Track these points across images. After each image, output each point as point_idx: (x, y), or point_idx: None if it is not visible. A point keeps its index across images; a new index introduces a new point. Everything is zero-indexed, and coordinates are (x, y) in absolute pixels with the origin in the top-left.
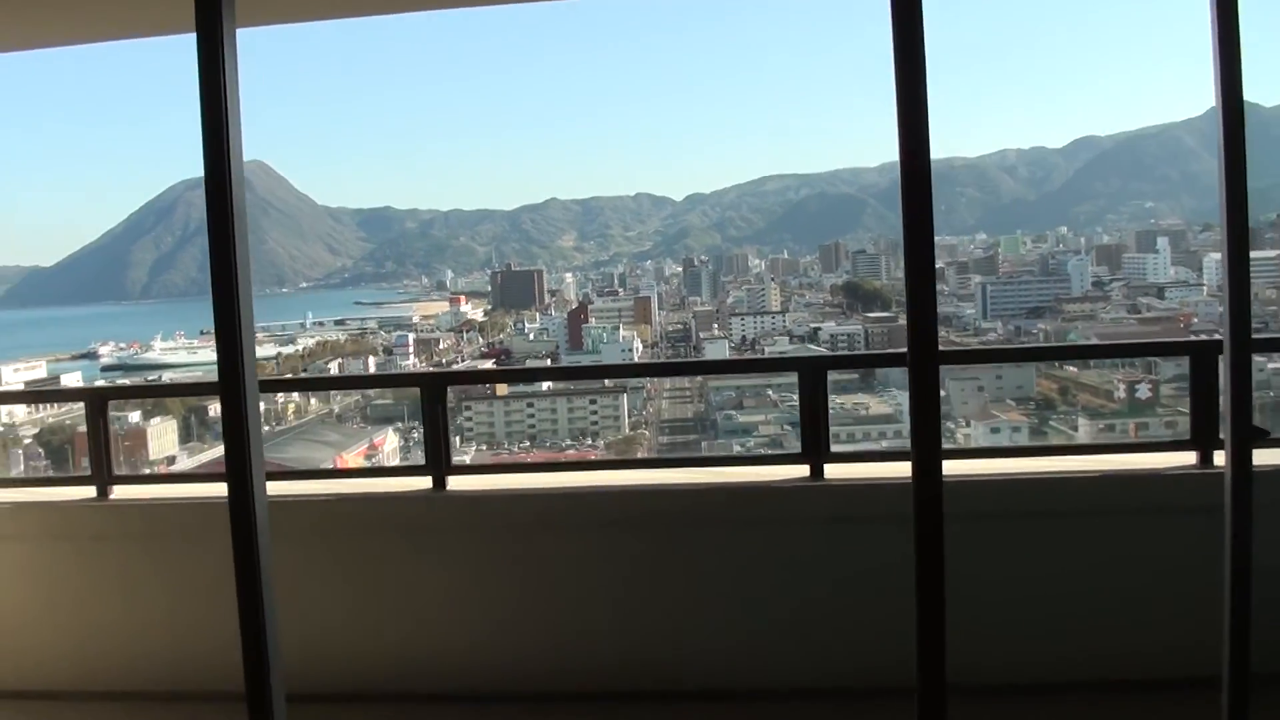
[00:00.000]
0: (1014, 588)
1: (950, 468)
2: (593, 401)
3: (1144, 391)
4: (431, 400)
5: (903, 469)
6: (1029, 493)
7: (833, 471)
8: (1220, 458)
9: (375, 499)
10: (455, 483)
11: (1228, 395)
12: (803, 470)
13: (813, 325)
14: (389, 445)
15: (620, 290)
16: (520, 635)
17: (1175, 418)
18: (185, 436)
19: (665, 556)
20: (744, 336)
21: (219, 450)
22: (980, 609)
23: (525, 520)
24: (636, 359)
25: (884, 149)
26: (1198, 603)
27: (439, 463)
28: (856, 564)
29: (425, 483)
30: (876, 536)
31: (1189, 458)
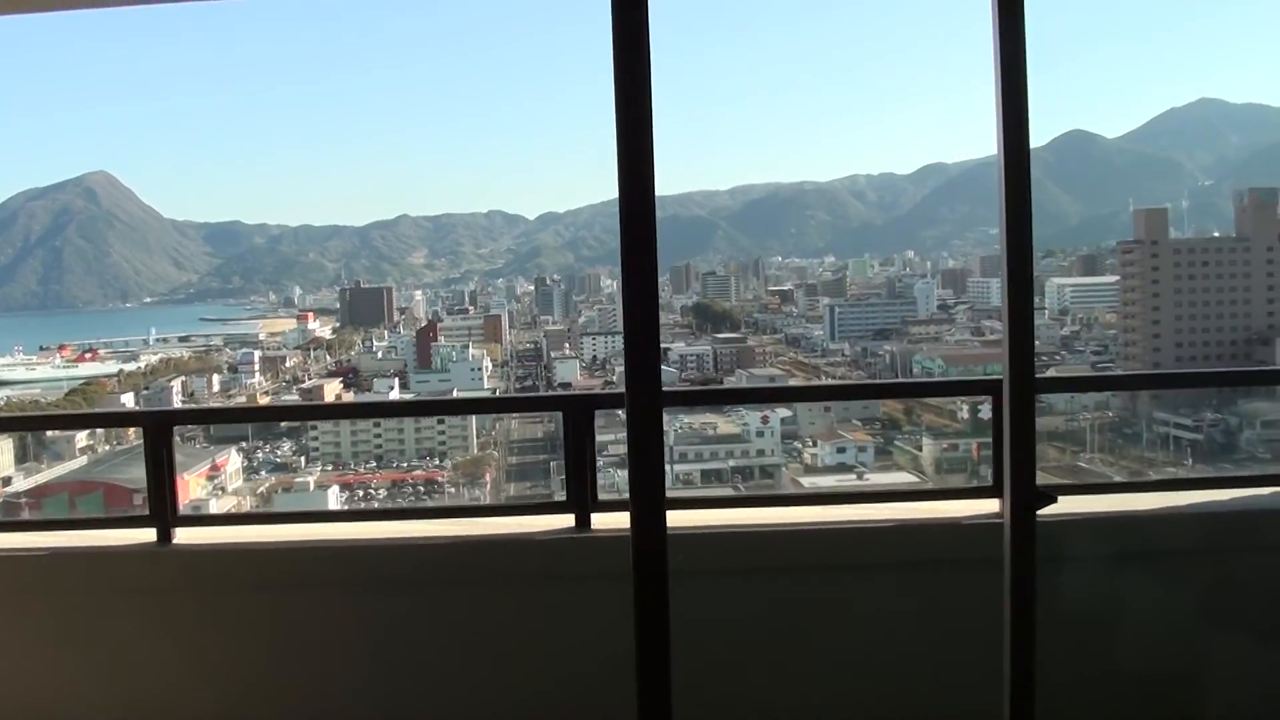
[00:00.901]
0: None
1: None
2: (440, 421)
3: (986, 411)
4: (156, 442)
5: (674, 517)
6: (762, 546)
7: (601, 521)
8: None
9: (93, 555)
10: (186, 535)
11: (1008, 450)
12: (568, 520)
13: (663, 345)
14: (232, 465)
15: (471, 308)
16: (254, 713)
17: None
18: (21, 457)
19: (419, 617)
20: (594, 356)
21: (59, 470)
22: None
23: (253, 578)
24: (486, 379)
25: (736, 172)
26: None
27: (164, 512)
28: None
29: (151, 535)
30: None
31: (993, 505)
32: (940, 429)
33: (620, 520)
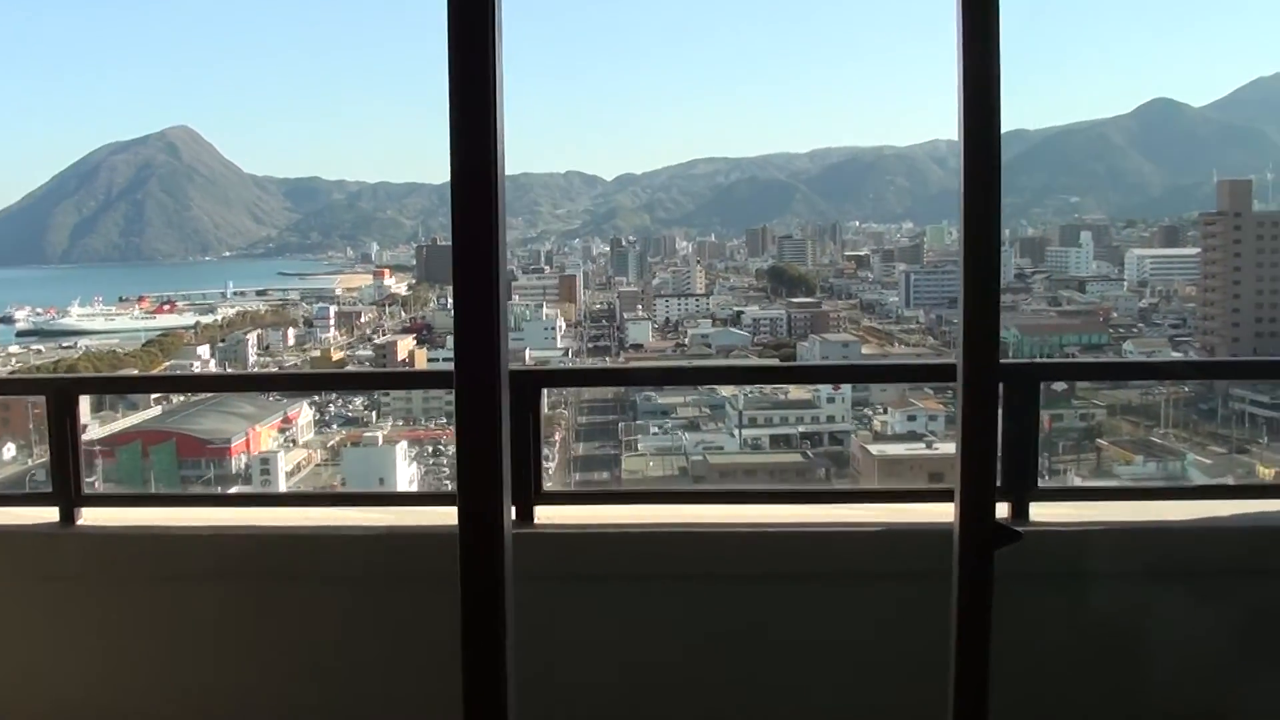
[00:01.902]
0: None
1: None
2: None
3: (1060, 384)
4: (60, 412)
5: (615, 512)
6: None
7: (547, 515)
8: (1040, 510)
9: None
10: (92, 515)
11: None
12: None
13: (736, 308)
14: (304, 418)
15: (547, 268)
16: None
17: (1092, 409)
18: (97, 406)
19: (340, 614)
20: (667, 318)
21: (135, 419)
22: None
23: (164, 566)
24: (559, 338)
25: (816, 135)
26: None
27: (68, 491)
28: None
29: (54, 514)
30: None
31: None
32: None
33: (569, 513)
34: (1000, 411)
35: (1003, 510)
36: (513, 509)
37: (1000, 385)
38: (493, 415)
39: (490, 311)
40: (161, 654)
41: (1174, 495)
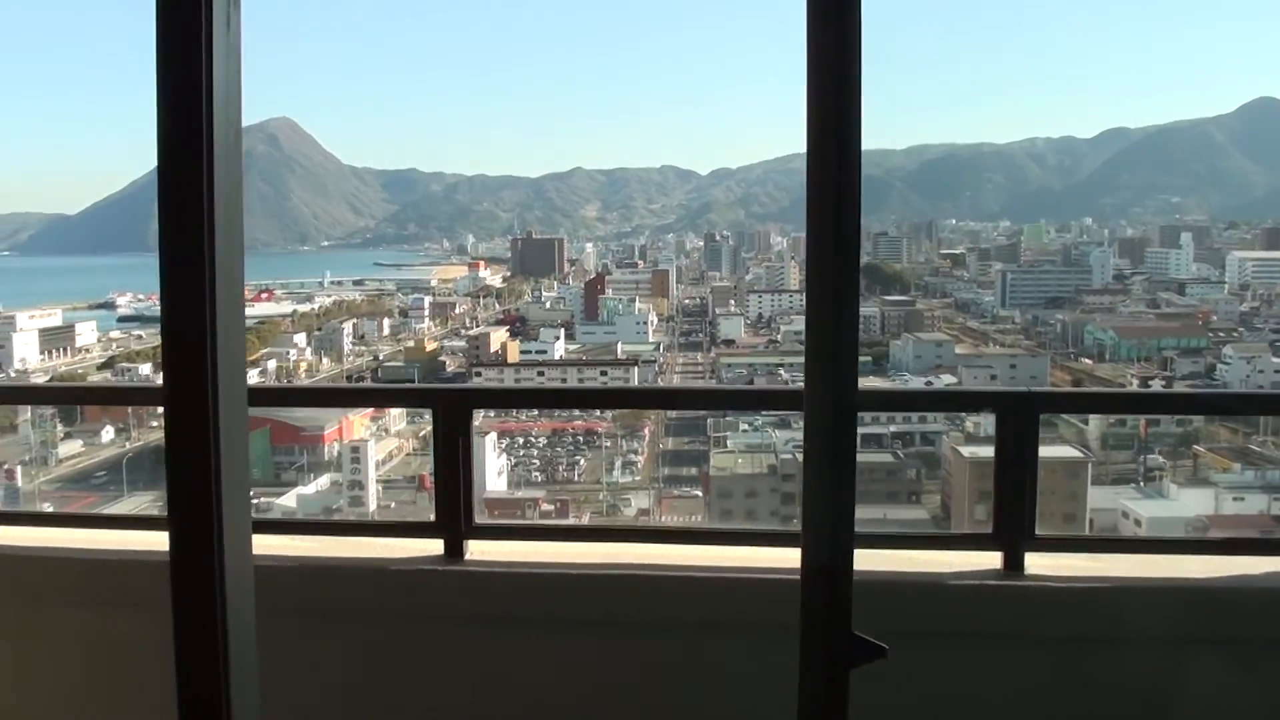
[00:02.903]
0: None
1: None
2: (604, 373)
3: (1157, 387)
4: (450, 429)
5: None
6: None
7: (482, 549)
8: (1035, 561)
9: None
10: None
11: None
12: (436, 546)
13: None
14: (395, 409)
15: (640, 262)
16: None
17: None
18: None
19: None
20: (760, 314)
21: None
22: None
23: (59, 591)
24: (651, 333)
25: (913, 131)
26: None
27: None
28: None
29: None
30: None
31: (991, 559)
32: None
33: (502, 550)
34: (996, 446)
35: (995, 561)
36: (441, 543)
37: (994, 415)
38: (202, 437)
39: (200, 308)
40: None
41: (1202, 549)
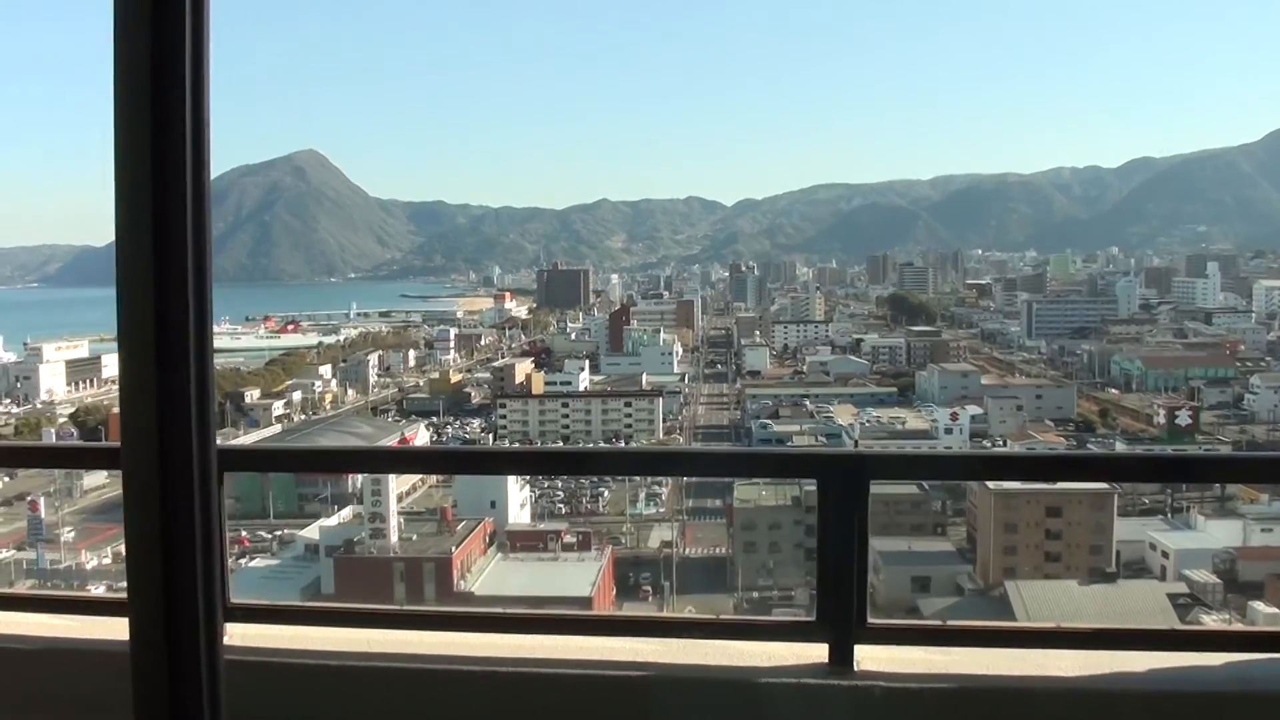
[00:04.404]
0: None
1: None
2: (628, 404)
3: (1184, 418)
4: None
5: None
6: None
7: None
8: (867, 654)
9: None
10: None
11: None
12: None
13: (856, 336)
14: (419, 440)
15: (665, 293)
16: None
17: (1216, 444)
18: (220, 422)
19: None
20: (785, 344)
21: (255, 436)
22: None
23: None
24: (676, 363)
25: (938, 161)
26: None
27: None
28: None
29: None
30: None
31: (816, 651)
32: (1136, 434)
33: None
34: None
35: (821, 654)
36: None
37: (816, 480)
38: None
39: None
40: None
41: (1071, 642)
